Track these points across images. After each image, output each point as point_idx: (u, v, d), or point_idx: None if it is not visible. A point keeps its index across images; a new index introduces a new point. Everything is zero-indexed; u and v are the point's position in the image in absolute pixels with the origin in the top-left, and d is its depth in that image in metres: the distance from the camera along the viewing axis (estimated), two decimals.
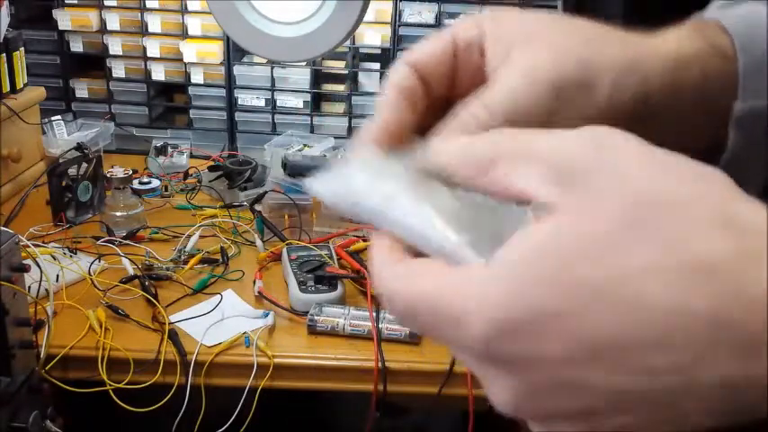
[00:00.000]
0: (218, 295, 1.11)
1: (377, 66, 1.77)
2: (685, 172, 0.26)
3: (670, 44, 0.37)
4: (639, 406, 0.26)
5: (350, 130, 1.77)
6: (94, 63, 1.76)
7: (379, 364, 0.98)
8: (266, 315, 1.05)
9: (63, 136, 1.57)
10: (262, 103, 1.76)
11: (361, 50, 1.77)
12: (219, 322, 1.05)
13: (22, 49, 1.49)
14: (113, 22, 1.70)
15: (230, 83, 1.73)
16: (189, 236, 1.25)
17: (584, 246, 0.25)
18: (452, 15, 1.69)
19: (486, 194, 0.28)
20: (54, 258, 1.14)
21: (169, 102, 1.85)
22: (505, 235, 0.26)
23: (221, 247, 1.24)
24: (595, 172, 0.26)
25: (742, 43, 0.36)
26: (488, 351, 0.27)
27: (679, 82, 0.36)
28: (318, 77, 1.77)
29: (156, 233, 1.30)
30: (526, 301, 0.25)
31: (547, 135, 0.28)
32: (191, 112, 1.77)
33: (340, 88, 1.78)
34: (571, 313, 0.25)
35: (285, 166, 1.41)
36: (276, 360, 0.99)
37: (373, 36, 1.71)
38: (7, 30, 1.42)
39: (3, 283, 0.78)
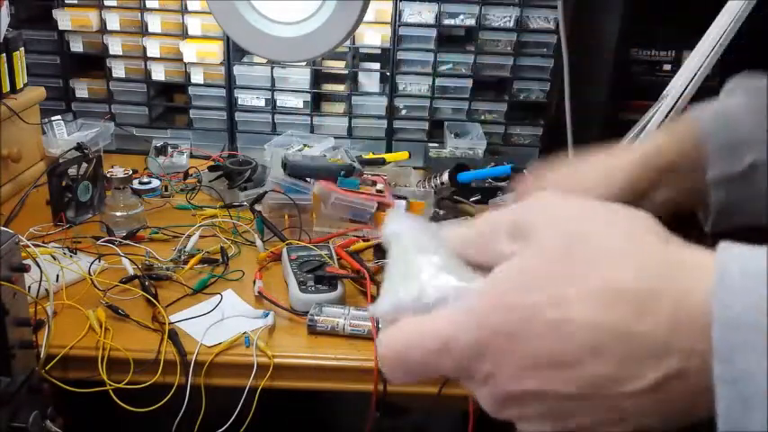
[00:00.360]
0: (219, 295, 1.11)
1: (377, 66, 1.77)
2: (607, 218, 0.34)
3: (649, 147, 0.59)
4: (591, 410, 0.31)
5: (350, 130, 1.78)
6: (94, 63, 1.76)
7: (379, 364, 0.98)
8: (266, 315, 1.05)
9: (63, 136, 1.57)
10: (262, 103, 1.76)
11: (361, 50, 1.77)
12: (219, 322, 1.05)
13: (22, 49, 1.49)
14: (113, 22, 1.70)
15: (230, 83, 1.74)
16: (189, 236, 1.25)
17: (524, 280, 0.32)
18: (452, 15, 1.69)
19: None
20: (54, 258, 1.14)
21: (169, 102, 1.85)
22: None
23: (221, 247, 1.24)
24: (538, 226, 0.33)
25: (709, 130, 0.57)
26: (465, 369, 0.33)
27: (657, 169, 0.57)
28: (318, 77, 1.78)
29: (156, 233, 1.30)
30: (482, 327, 0.32)
31: (511, 207, 0.36)
32: (191, 112, 1.77)
33: (340, 88, 1.78)
34: (515, 335, 0.31)
35: (285, 166, 1.41)
36: (276, 360, 0.99)
37: (373, 36, 1.71)
38: (7, 30, 1.42)
39: (3, 283, 0.78)
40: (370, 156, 1.65)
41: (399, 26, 1.69)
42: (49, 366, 0.96)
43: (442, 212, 1.45)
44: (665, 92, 1.13)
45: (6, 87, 1.44)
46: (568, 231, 0.33)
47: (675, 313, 0.29)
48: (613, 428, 0.31)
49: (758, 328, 0.27)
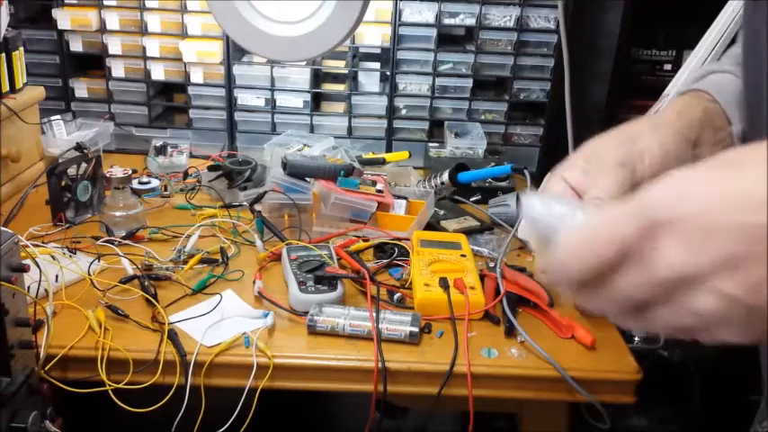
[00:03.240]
0: (218, 295, 1.11)
1: (377, 66, 1.77)
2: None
3: (671, 112, 0.65)
4: None
5: (350, 129, 1.78)
6: (94, 63, 1.76)
7: (379, 365, 0.98)
8: (266, 315, 1.05)
9: (62, 136, 1.57)
10: (262, 102, 1.76)
11: (361, 50, 1.77)
12: (219, 322, 1.04)
13: (22, 48, 1.49)
14: (113, 21, 1.70)
15: (230, 83, 1.73)
16: (188, 236, 1.24)
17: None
18: (452, 15, 1.69)
19: None
20: (53, 258, 1.14)
21: (169, 101, 1.85)
22: None
23: (221, 248, 1.24)
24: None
25: (716, 94, 0.66)
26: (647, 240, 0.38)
27: (692, 124, 0.63)
28: (318, 77, 1.77)
29: (156, 233, 1.30)
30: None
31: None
32: (190, 111, 1.77)
33: (340, 88, 1.78)
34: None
35: (285, 165, 1.41)
36: (276, 360, 0.98)
37: (373, 36, 1.71)
38: (7, 29, 1.42)
39: (2, 283, 0.78)
40: (370, 156, 1.65)
41: (399, 26, 1.69)
42: (48, 366, 0.96)
43: (442, 212, 1.45)
44: (665, 91, 1.13)
45: (6, 87, 1.44)
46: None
47: None
48: None
49: None
